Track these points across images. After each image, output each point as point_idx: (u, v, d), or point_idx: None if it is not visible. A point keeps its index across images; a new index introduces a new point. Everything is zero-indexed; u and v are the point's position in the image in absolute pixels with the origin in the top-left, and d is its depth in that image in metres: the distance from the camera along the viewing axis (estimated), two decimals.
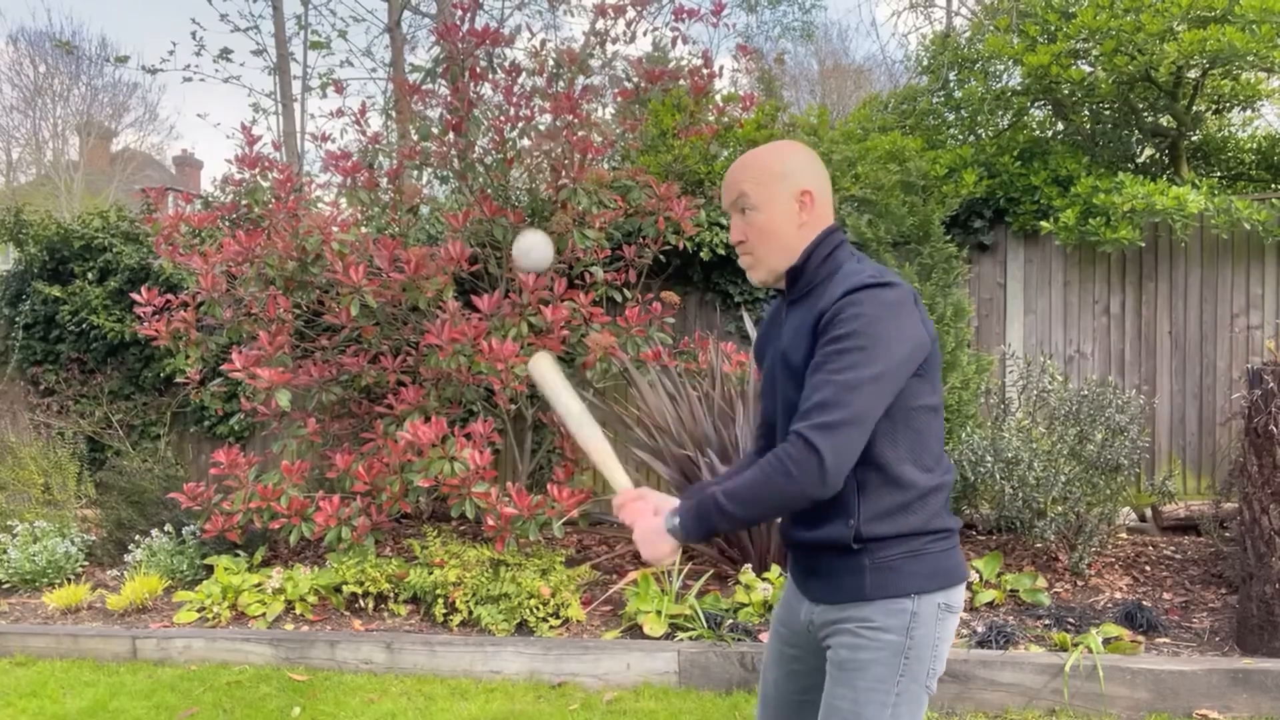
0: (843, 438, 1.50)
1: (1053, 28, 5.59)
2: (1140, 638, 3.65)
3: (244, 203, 5.40)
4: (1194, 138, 6.25)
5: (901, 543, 1.61)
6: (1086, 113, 6.27)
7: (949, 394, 4.72)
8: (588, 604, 4.33)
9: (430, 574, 4.30)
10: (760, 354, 1.89)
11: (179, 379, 5.65)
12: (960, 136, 6.60)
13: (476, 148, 5.14)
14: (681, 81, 5.71)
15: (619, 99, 5.88)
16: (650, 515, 1.68)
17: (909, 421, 1.61)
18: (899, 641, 1.60)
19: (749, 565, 4.22)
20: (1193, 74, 5.70)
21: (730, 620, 3.92)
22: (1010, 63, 6.05)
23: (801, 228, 1.70)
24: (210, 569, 4.94)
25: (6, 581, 5.22)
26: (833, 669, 1.65)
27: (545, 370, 1.94)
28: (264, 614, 4.40)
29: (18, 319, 7.11)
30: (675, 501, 1.67)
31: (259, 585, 4.56)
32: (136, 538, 5.30)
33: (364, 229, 5.24)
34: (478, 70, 5.07)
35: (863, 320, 1.53)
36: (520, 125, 5.08)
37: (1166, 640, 3.69)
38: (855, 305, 1.54)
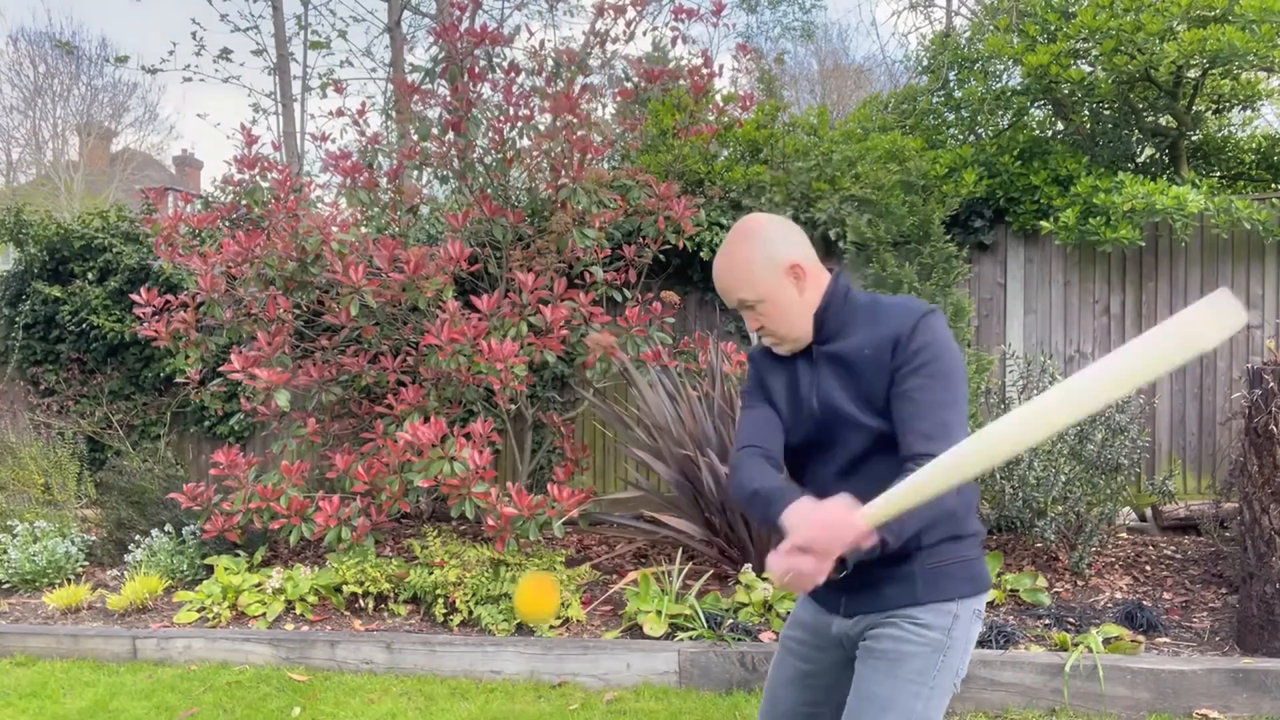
0: (963, 432, 1.65)
1: (1052, 27, 5.58)
2: (1140, 637, 3.65)
3: (243, 203, 5.40)
4: (1194, 137, 6.25)
5: (949, 548, 1.73)
6: (1086, 112, 6.27)
7: None
8: (588, 604, 4.33)
9: (430, 574, 4.30)
10: (765, 392, 1.89)
11: (179, 379, 5.65)
12: (960, 136, 6.59)
13: (476, 147, 5.14)
14: (681, 81, 5.71)
15: (619, 98, 5.88)
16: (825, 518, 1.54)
17: None
18: (941, 640, 1.70)
19: (749, 565, 4.22)
20: (1193, 74, 5.70)
21: (730, 620, 3.92)
22: (1010, 62, 6.05)
23: (804, 293, 1.78)
24: (210, 569, 4.94)
25: (6, 581, 5.22)
26: (869, 658, 1.74)
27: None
28: (264, 614, 4.40)
29: (18, 319, 7.11)
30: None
31: (259, 585, 4.55)
32: (136, 538, 5.30)
33: (364, 229, 5.24)
34: (477, 70, 5.07)
35: (939, 346, 1.69)
36: (520, 125, 5.08)
37: (1167, 640, 3.69)
38: (929, 332, 1.69)
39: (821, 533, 1.51)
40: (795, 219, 5.86)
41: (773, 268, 1.75)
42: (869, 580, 1.73)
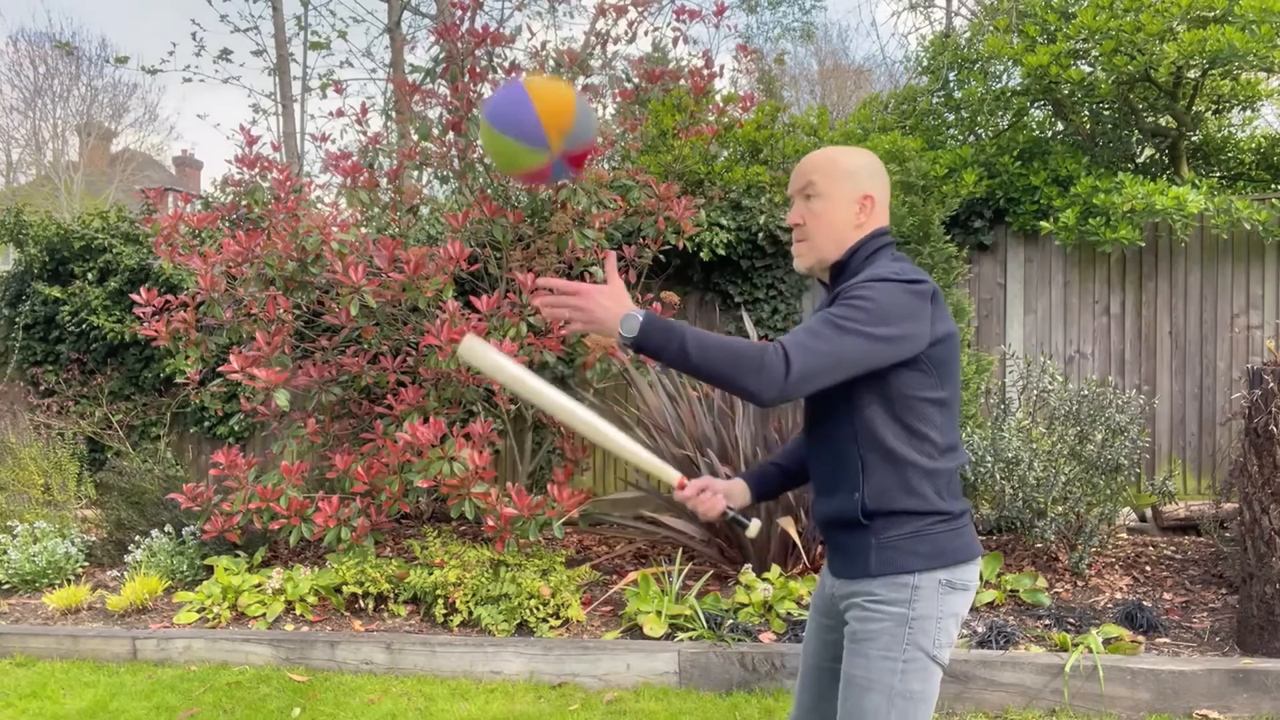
0: (814, 362, 1.60)
1: (1052, 28, 5.59)
2: (1140, 638, 3.65)
3: (244, 203, 5.40)
4: (1194, 138, 6.25)
5: (904, 522, 1.74)
6: (1086, 113, 6.27)
7: None
8: (588, 604, 4.33)
9: (430, 574, 4.30)
10: None
11: (179, 379, 5.65)
12: (960, 136, 6.60)
13: (476, 147, 5.14)
14: (682, 81, 5.72)
15: (619, 99, 5.88)
16: (603, 292, 1.66)
17: (909, 409, 1.73)
18: (903, 613, 1.73)
19: (749, 565, 4.22)
20: (1192, 74, 5.70)
21: (730, 621, 3.92)
22: (1010, 63, 6.05)
23: (857, 228, 1.82)
24: (210, 569, 4.94)
25: (6, 582, 5.22)
26: (848, 642, 1.79)
27: (479, 351, 1.80)
28: (264, 614, 4.40)
29: (18, 319, 7.11)
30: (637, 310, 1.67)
31: (259, 586, 4.55)
32: (136, 538, 5.30)
33: (364, 229, 5.24)
34: (477, 70, 5.07)
35: (873, 290, 1.66)
36: None
37: (1167, 640, 3.69)
38: (871, 286, 1.67)
39: (591, 301, 1.64)
40: None
41: (853, 182, 1.81)
42: (835, 543, 1.85)
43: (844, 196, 1.81)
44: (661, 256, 5.51)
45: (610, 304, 1.64)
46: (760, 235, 5.76)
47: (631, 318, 1.61)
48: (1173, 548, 4.84)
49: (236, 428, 6.64)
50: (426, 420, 4.38)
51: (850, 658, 1.77)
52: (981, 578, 4.20)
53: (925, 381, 1.73)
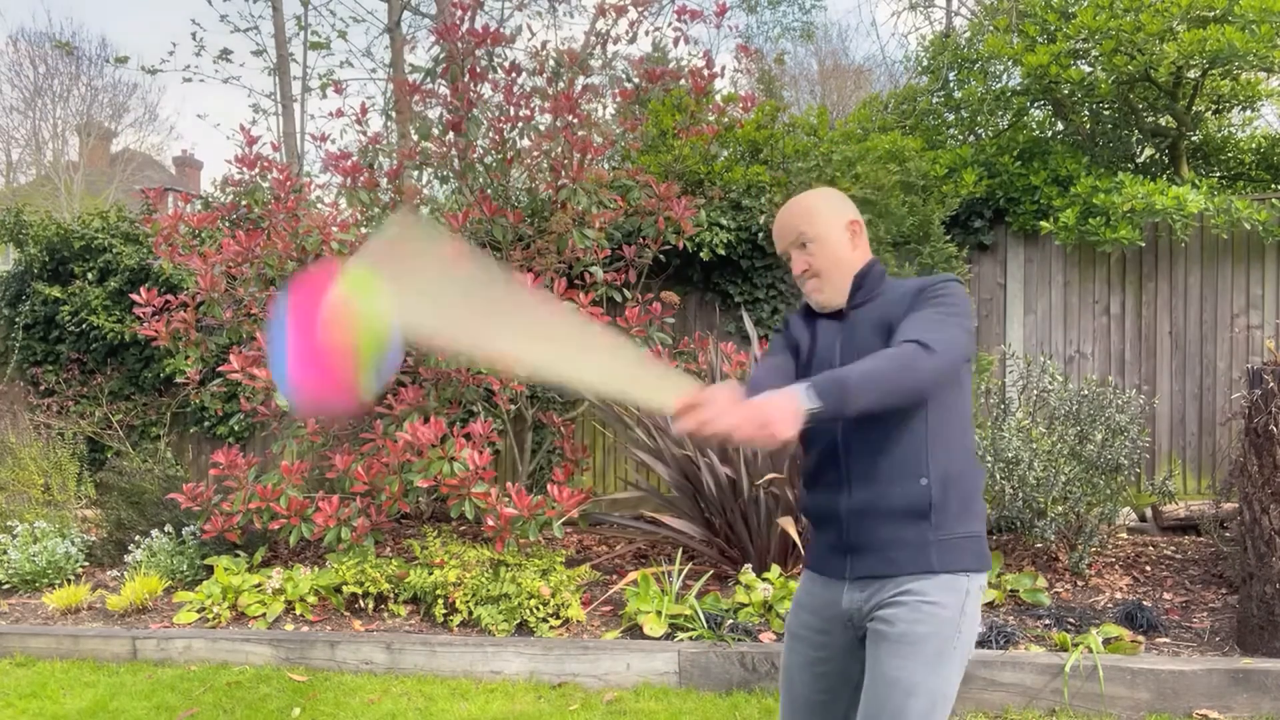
0: (945, 346, 1.63)
1: (1052, 28, 5.59)
2: (1140, 638, 3.65)
3: (244, 203, 5.40)
4: (1194, 138, 6.25)
5: (964, 519, 1.74)
6: (1086, 113, 6.27)
7: None
8: (588, 604, 4.33)
9: (430, 574, 4.30)
10: (790, 341, 1.96)
11: (179, 379, 5.64)
12: (960, 136, 6.60)
13: (476, 148, 5.14)
14: (682, 81, 5.72)
15: (619, 99, 5.88)
16: (759, 399, 1.50)
17: (957, 408, 1.77)
18: (954, 617, 1.70)
19: (749, 565, 4.22)
20: (1192, 74, 5.71)
21: (730, 620, 3.92)
22: (1010, 63, 6.05)
23: (856, 250, 1.89)
24: (210, 569, 4.94)
25: (6, 582, 5.22)
26: (885, 642, 1.70)
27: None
28: (264, 614, 4.40)
29: (18, 319, 7.11)
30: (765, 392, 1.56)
31: (259, 585, 4.55)
32: (136, 538, 5.30)
33: (364, 229, 5.24)
34: (477, 70, 5.07)
35: (957, 296, 1.76)
36: (520, 125, 5.08)
37: (1167, 640, 3.69)
38: (951, 286, 1.77)
39: (763, 422, 1.46)
40: None
41: (835, 215, 1.88)
42: (877, 538, 1.74)
43: (835, 229, 1.87)
44: (661, 256, 5.51)
45: (776, 398, 1.48)
46: (760, 235, 5.75)
47: (806, 393, 1.49)
48: (1173, 548, 4.84)
49: (236, 428, 6.64)
50: (426, 420, 4.38)
51: (891, 659, 1.67)
52: None
53: (965, 385, 1.81)
